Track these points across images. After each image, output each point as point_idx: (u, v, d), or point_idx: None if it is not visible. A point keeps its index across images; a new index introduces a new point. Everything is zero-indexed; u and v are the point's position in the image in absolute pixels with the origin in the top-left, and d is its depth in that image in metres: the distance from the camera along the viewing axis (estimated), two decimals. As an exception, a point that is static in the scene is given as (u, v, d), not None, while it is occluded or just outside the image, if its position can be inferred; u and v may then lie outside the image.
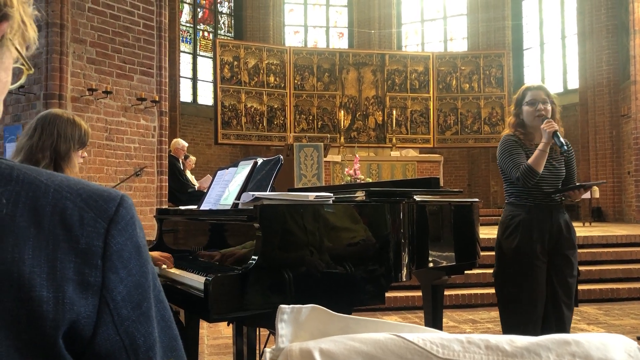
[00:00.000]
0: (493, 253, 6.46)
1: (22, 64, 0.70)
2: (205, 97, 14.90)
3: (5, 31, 0.64)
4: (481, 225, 3.17)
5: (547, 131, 2.80)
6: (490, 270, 6.18)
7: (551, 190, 2.91)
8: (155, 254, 2.45)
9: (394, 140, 12.22)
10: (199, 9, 15.32)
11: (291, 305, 0.79)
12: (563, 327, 2.88)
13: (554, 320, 2.88)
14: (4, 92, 0.68)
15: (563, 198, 2.98)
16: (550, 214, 2.90)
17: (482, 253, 3.07)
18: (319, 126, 12.65)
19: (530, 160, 2.82)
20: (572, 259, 2.94)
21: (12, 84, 0.70)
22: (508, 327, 2.93)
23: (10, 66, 0.68)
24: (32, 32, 0.68)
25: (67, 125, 2.13)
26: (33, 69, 0.73)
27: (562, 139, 2.80)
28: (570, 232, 2.96)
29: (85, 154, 2.32)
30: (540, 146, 2.82)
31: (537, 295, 2.85)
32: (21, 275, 0.55)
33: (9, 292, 0.55)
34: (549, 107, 2.92)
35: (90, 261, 0.59)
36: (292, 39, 16.38)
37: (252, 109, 12.17)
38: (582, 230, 8.29)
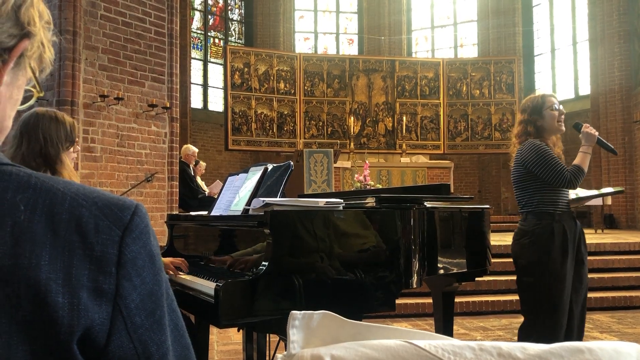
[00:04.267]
0: (504, 260, 6.45)
1: (34, 86, 0.71)
2: (216, 103, 14.98)
3: (26, 49, 0.66)
4: (492, 232, 3.15)
5: (592, 134, 2.89)
6: (502, 278, 6.19)
7: (573, 198, 2.97)
8: (167, 260, 2.45)
9: (404, 147, 12.20)
10: (209, 16, 15.42)
11: (303, 312, 0.79)
12: (581, 329, 2.92)
13: (577, 326, 2.90)
14: (14, 109, 0.69)
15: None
16: (574, 221, 2.96)
17: (492, 260, 3.05)
18: (329, 132, 12.66)
19: (578, 161, 2.89)
20: (586, 263, 3.02)
21: (21, 104, 0.71)
22: (540, 336, 2.89)
23: (24, 85, 0.69)
24: (49, 55, 0.70)
25: (52, 126, 2.07)
26: (43, 92, 0.74)
27: (609, 143, 2.93)
28: (584, 238, 3.04)
29: (79, 148, 2.25)
30: (583, 148, 2.90)
31: (567, 303, 2.88)
32: (37, 280, 0.56)
33: (25, 297, 0.56)
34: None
35: (104, 268, 0.60)
36: (302, 46, 16.43)
37: (262, 115, 12.21)
38: (594, 238, 8.21)
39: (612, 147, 2.91)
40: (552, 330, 2.85)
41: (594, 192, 3.17)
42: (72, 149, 2.19)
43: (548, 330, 2.86)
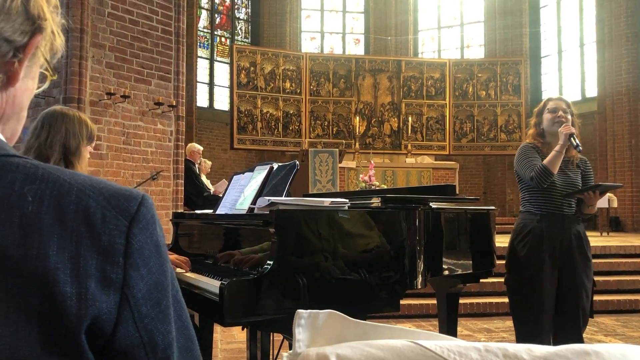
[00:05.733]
0: (508, 261, 6.37)
1: (46, 69, 0.72)
2: (222, 102, 15.00)
3: (40, 43, 0.66)
4: (497, 233, 3.15)
5: (563, 133, 2.86)
6: (506, 279, 6.15)
7: (565, 192, 2.91)
8: (172, 257, 2.45)
9: (409, 147, 12.18)
10: (216, 15, 15.44)
11: (309, 310, 0.79)
12: (578, 336, 2.87)
13: (569, 329, 2.87)
14: (30, 98, 0.71)
15: (577, 208, 2.98)
16: (562, 224, 2.91)
17: (497, 262, 3.05)
18: (334, 132, 12.66)
19: (545, 161, 2.87)
20: (585, 269, 2.92)
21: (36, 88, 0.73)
22: (519, 336, 2.94)
23: (37, 75, 0.71)
24: (60, 41, 0.71)
25: (75, 122, 2.14)
26: (56, 75, 0.75)
27: (577, 141, 2.86)
28: (582, 242, 2.94)
29: (91, 149, 2.31)
30: (556, 147, 2.87)
31: (545, 304, 2.85)
32: (46, 271, 0.56)
33: (33, 288, 0.56)
34: (569, 117, 2.97)
35: (112, 258, 0.61)
36: (309, 45, 16.43)
37: (268, 115, 12.22)
38: (599, 240, 8.17)
39: (578, 143, 2.84)
40: (531, 329, 2.86)
41: (601, 184, 3.09)
42: (89, 147, 2.23)
43: (527, 329, 2.89)
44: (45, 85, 0.76)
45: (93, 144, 2.27)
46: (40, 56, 0.68)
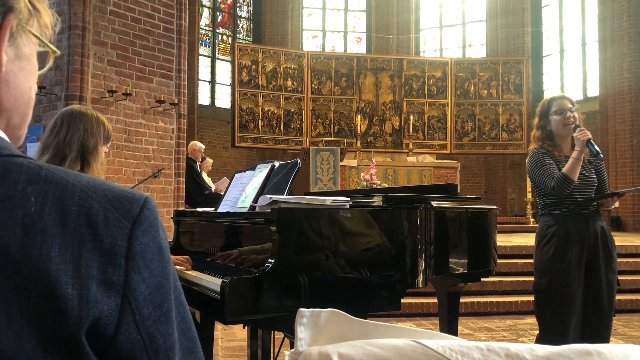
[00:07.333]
0: (509, 261, 6.42)
1: (43, 46, 0.71)
2: (223, 100, 14.99)
3: (13, 23, 0.65)
4: (498, 232, 3.15)
5: (580, 139, 2.83)
6: (507, 279, 6.19)
7: (585, 199, 2.91)
8: (172, 257, 2.45)
9: (410, 146, 12.17)
10: (218, 13, 15.43)
11: (311, 309, 0.79)
12: (605, 335, 2.86)
13: (596, 329, 2.86)
14: (34, 78, 0.70)
15: (596, 206, 2.99)
16: (586, 223, 2.91)
17: (498, 261, 3.04)
18: (336, 130, 12.65)
19: (565, 169, 2.84)
20: (612, 266, 2.92)
21: (40, 68, 0.72)
22: (544, 337, 2.91)
23: (33, 53, 0.70)
24: (48, 16, 0.70)
25: (93, 122, 2.18)
26: (59, 51, 0.75)
27: (596, 147, 2.83)
28: (607, 240, 2.94)
29: (106, 149, 2.34)
30: (573, 154, 2.84)
31: (572, 304, 2.83)
32: (47, 272, 0.56)
33: (35, 289, 0.56)
34: (576, 115, 2.95)
35: (114, 260, 0.60)
36: (310, 44, 16.43)
37: (270, 113, 12.21)
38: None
39: (598, 150, 2.84)
40: (558, 332, 2.83)
41: (619, 190, 3.13)
42: (105, 147, 2.27)
43: (554, 332, 2.85)
44: (50, 63, 0.74)
45: (109, 144, 2.29)
46: (28, 35, 0.67)
